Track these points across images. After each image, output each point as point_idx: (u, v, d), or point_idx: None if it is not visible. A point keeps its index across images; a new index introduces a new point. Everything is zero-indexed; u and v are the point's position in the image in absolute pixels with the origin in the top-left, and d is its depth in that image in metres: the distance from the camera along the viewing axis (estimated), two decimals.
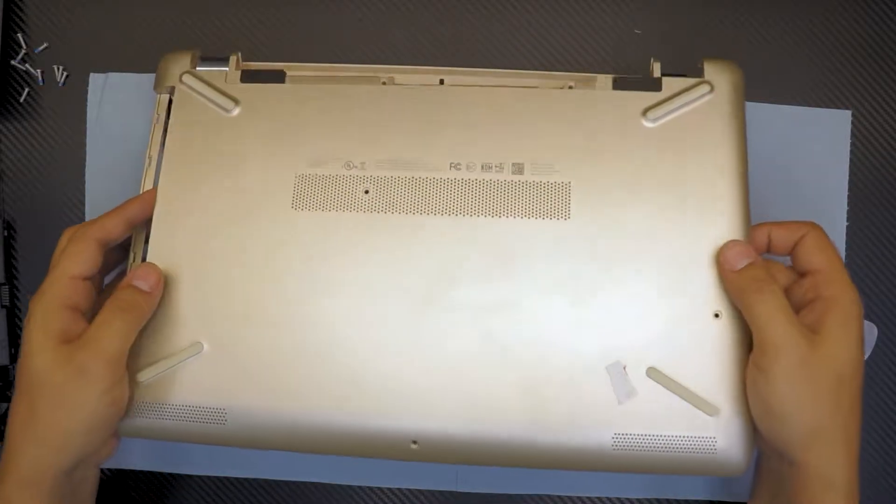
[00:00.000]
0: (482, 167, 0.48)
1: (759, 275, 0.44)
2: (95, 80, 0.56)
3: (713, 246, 0.46)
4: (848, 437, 0.43)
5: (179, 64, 0.51)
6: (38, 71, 0.57)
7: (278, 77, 0.51)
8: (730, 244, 0.45)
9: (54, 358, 0.42)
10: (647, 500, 0.56)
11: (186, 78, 0.50)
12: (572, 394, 0.45)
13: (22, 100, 0.57)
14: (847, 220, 0.56)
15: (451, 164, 0.48)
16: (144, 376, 0.46)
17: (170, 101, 0.50)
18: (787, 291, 0.45)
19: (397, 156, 0.48)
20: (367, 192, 0.48)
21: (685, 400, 0.44)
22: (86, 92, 0.56)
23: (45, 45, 0.57)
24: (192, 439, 0.46)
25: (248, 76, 0.51)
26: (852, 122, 0.56)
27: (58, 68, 0.57)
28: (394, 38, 0.58)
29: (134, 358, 0.46)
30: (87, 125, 0.56)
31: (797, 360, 0.42)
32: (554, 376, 0.45)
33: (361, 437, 0.45)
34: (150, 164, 0.50)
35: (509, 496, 0.56)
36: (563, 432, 0.44)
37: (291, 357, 0.46)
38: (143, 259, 0.48)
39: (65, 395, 0.42)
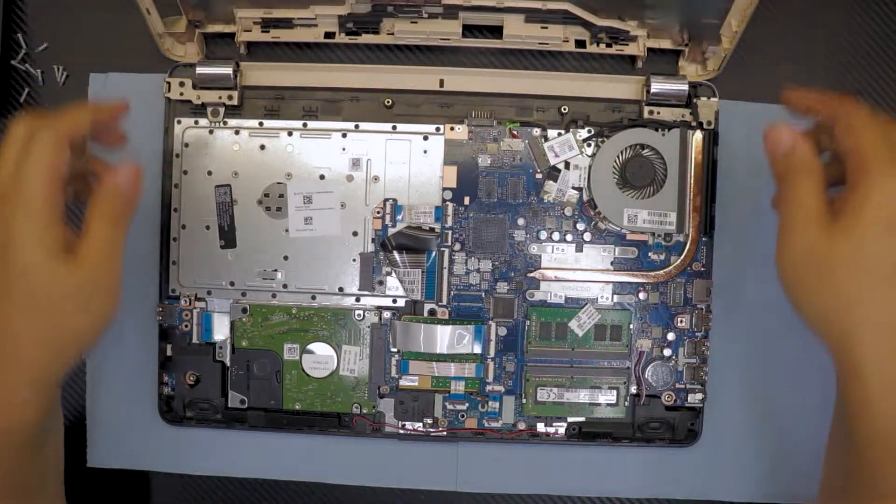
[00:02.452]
0: None
1: (794, 162, 0.42)
2: (95, 80, 0.56)
3: None
4: (876, 330, 0.39)
5: None
6: (38, 71, 0.56)
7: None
8: (771, 129, 0.43)
9: (64, 269, 0.41)
10: (647, 500, 0.56)
11: None
12: None
13: (22, 100, 0.57)
14: None
15: None
16: None
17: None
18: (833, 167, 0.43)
19: None
20: None
21: None
22: (86, 92, 0.56)
23: (45, 45, 0.57)
24: None
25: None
26: None
27: (58, 68, 0.56)
28: None
29: None
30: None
31: (809, 245, 0.40)
32: None
33: None
34: None
35: (509, 496, 0.56)
36: None
37: None
38: None
39: (79, 303, 0.41)
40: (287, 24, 0.53)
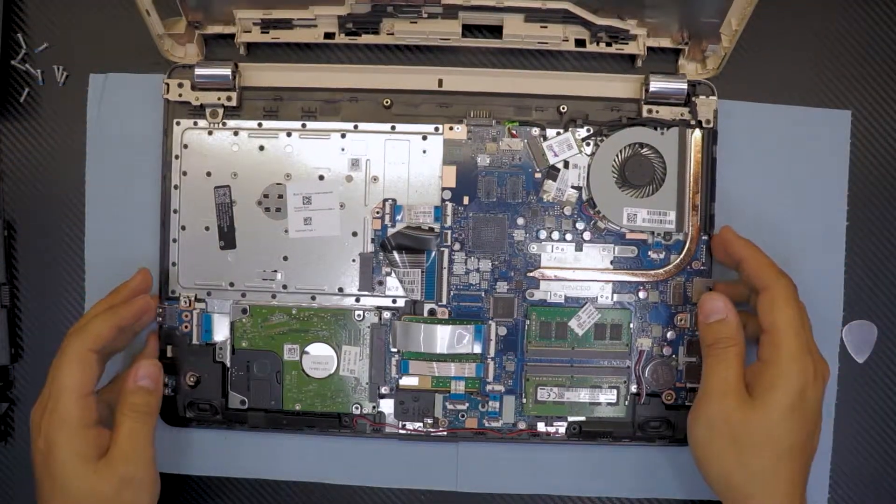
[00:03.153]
0: None
1: (722, 334, 0.48)
2: (95, 80, 0.56)
3: None
4: (768, 498, 0.45)
5: None
6: (38, 71, 0.57)
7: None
8: (706, 297, 0.49)
9: (98, 477, 0.45)
10: (647, 500, 0.56)
11: None
12: None
13: (22, 100, 0.57)
14: (847, 220, 0.56)
15: None
16: None
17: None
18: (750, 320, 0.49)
19: None
20: None
21: None
22: (86, 92, 0.56)
23: (45, 45, 0.57)
24: None
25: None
26: (852, 122, 0.56)
27: (58, 68, 0.56)
28: None
29: None
30: (87, 125, 0.56)
31: (725, 414, 0.46)
32: None
33: None
34: None
35: (509, 496, 0.56)
36: None
37: None
38: None
39: None
40: (287, 24, 0.53)
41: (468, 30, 0.54)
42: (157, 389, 0.49)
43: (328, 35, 0.54)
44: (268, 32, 0.54)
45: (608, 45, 0.53)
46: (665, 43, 0.54)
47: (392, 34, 0.53)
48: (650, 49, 0.54)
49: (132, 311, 0.50)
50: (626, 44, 0.53)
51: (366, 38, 0.54)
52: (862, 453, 0.56)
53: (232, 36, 0.54)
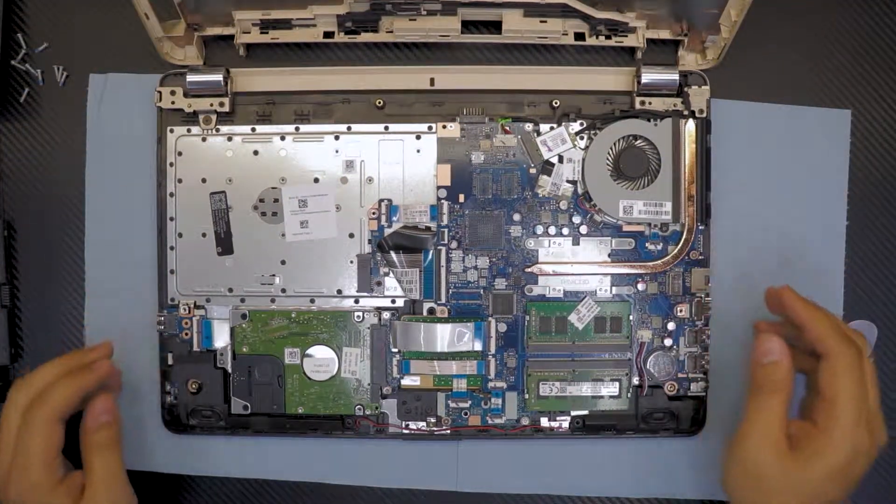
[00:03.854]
0: None
1: (774, 376, 0.46)
2: (95, 80, 0.56)
3: None
4: None
5: None
6: (38, 71, 0.56)
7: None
8: (763, 337, 0.47)
9: None
10: (647, 499, 0.56)
11: None
12: None
13: (22, 100, 0.57)
14: (847, 220, 0.55)
15: None
16: None
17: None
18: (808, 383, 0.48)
19: None
20: None
21: None
22: (86, 92, 0.56)
23: (45, 45, 0.57)
24: None
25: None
26: (852, 122, 0.56)
27: (58, 68, 0.56)
28: None
29: None
30: (87, 125, 0.56)
31: (761, 462, 0.45)
32: None
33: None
34: None
35: (509, 496, 0.56)
36: None
37: None
38: None
39: None
40: (286, 24, 0.53)
41: (466, 26, 0.54)
42: (115, 420, 0.49)
43: (327, 34, 0.54)
44: (267, 33, 0.54)
45: (607, 38, 0.53)
46: (664, 35, 0.53)
47: (391, 32, 0.53)
48: (650, 41, 0.54)
49: (94, 378, 0.49)
50: (626, 36, 0.53)
51: (365, 37, 0.54)
52: None
53: (231, 37, 0.54)
